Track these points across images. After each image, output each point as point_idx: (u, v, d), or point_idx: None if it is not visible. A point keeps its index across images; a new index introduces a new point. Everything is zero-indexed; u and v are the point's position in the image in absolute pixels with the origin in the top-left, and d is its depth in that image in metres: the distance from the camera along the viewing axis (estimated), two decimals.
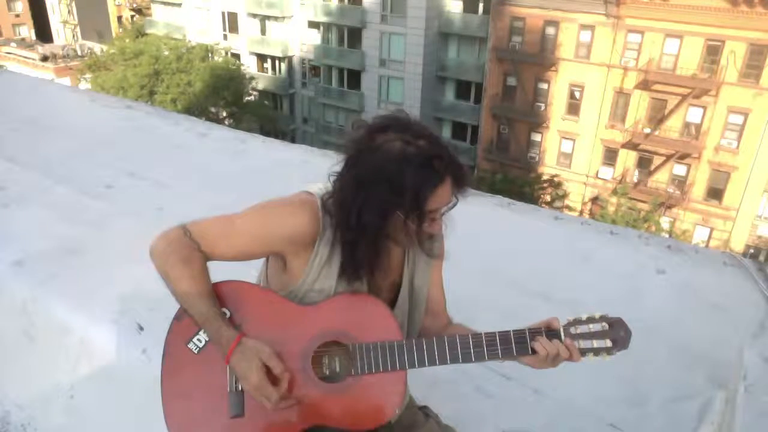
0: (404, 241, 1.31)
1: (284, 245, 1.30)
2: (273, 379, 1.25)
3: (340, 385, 1.31)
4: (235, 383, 1.29)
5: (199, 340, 1.31)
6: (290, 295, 1.34)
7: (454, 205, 1.28)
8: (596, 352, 1.28)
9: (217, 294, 1.31)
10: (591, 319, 1.29)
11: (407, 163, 1.18)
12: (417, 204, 1.20)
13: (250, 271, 1.47)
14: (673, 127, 23.24)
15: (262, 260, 1.45)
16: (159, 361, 1.33)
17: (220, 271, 1.34)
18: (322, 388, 1.30)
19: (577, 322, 1.29)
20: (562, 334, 1.28)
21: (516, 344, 1.28)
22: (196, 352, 1.32)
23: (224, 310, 1.30)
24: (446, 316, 1.54)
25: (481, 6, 26.36)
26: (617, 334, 1.28)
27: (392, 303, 1.41)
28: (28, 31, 48.51)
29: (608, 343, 1.28)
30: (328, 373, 1.31)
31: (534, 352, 1.28)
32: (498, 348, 1.28)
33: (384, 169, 1.18)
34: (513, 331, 1.29)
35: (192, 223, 1.31)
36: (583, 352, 1.28)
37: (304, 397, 1.30)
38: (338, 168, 1.26)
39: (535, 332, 1.29)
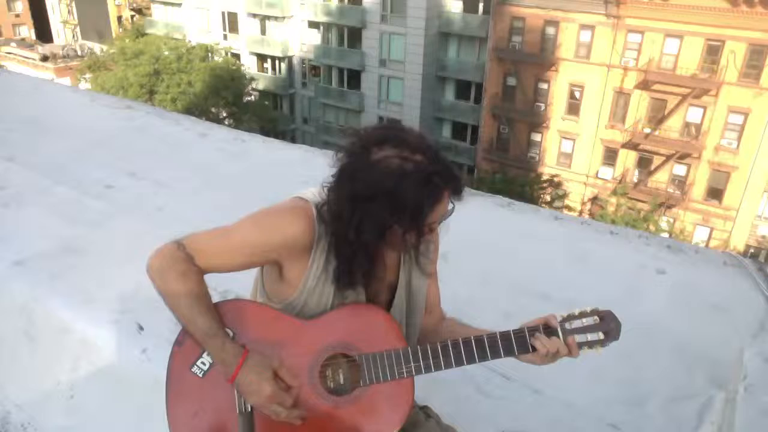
0: (401, 250, 1.32)
1: (280, 254, 1.29)
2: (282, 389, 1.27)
3: (349, 397, 1.31)
4: (244, 404, 1.29)
5: (203, 363, 1.31)
6: (289, 305, 1.33)
7: (451, 213, 1.27)
8: (590, 345, 1.33)
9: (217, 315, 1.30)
10: (583, 314, 1.34)
11: (407, 181, 1.16)
12: (417, 221, 1.20)
13: (246, 278, 1.46)
14: (673, 127, 23.24)
15: (257, 269, 1.43)
16: (159, 361, 1.33)
17: (216, 279, 1.34)
18: (332, 401, 1.31)
19: (571, 317, 1.34)
20: (560, 331, 1.32)
21: (516, 343, 1.31)
22: (201, 375, 1.31)
23: (227, 330, 1.29)
24: (440, 311, 1.56)
25: (481, 6, 26.34)
26: (608, 326, 1.33)
27: (389, 304, 1.41)
28: (28, 31, 48.49)
29: (601, 335, 1.33)
30: (332, 386, 1.32)
31: (534, 349, 1.31)
32: (500, 348, 1.31)
33: (383, 187, 1.17)
34: (513, 330, 1.32)
35: (185, 237, 1.29)
36: (579, 345, 1.32)
37: (315, 412, 1.30)
38: (332, 177, 1.24)
39: (533, 330, 1.32)
